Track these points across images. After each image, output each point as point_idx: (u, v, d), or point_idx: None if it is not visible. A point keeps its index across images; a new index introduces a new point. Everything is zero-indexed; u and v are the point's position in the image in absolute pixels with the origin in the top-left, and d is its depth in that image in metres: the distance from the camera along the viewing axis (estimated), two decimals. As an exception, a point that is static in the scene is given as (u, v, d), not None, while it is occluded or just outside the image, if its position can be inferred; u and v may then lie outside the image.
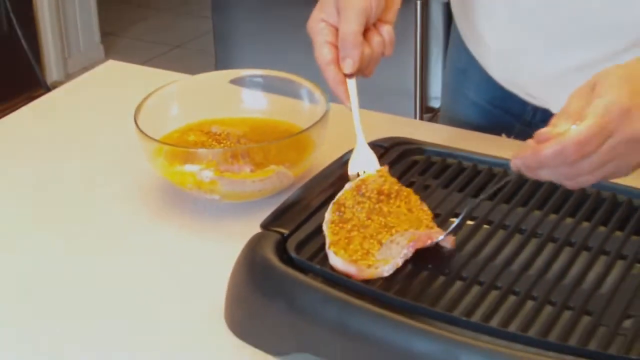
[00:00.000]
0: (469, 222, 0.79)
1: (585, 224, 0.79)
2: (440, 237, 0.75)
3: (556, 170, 0.68)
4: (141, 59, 3.20)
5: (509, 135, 1.06)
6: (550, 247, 0.76)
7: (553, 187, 0.83)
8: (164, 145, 0.93)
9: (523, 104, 1.04)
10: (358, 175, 0.85)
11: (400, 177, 0.85)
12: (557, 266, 0.73)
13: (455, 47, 1.12)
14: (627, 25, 0.88)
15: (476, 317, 0.68)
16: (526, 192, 0.83)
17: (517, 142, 1.02)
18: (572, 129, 0.65)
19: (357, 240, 0.75)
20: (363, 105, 1.12)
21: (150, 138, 0.91)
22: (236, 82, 0.95)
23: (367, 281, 0.72)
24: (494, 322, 0.67)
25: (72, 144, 1.07)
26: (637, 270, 0.73)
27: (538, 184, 0.84)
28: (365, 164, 0.86)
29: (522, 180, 0.82)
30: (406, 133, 0.97)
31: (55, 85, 2.14)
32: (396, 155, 0.89)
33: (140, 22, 3.67)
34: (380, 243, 0.75)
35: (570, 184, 0.70)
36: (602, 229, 0.78)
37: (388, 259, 0.73)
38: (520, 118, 1.06)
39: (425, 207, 0.80)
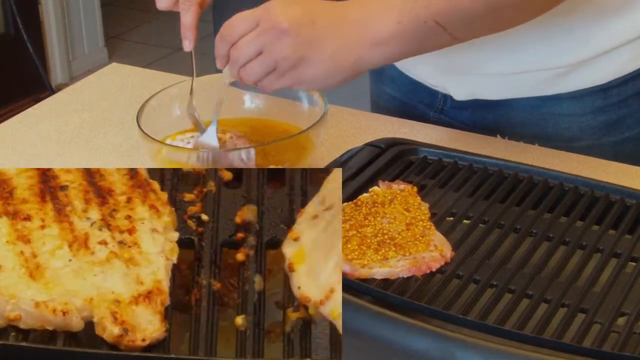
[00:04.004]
0: (465, 222, 0.80)
1: (579, 223, 0.79)
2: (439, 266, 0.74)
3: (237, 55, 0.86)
4: (144, 61, 3.21)
5: (503, 136, 1.07)
6: (545, 246, 0.76)
7: (547, 187, 0.84)
8: (166, 146, 0.93)
9: (433, 93, 1.09)
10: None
11: (396, 177, 0.86)
12: (552, 264, 0.74)
13: None
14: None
15: (472, 315, 0.68)
16: (521, 191, 0.84)
17: (511, 143, 1.04)
18: None
19: (355, 240, 0.76)
20: (361, 107, 1.14)
21: (153, 139, 0.92)
22: (236, 84, 0.95)
23: (365, 279, 0.72)
24: (490, 320, 0.67)
25: (76, 144, 1.07)
26: (631, 269, 0.73)
27: (533, 184, 0.85)
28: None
29: (517, 180, 0.84)
30: (402, 134, 0.98)
31: (60, 88, 2.15)
32: (392, 155, 0.89)
33: (143, 25, 3.69)
34: (379, 246, 0.76)
35: (265, 85, 0.87)
36: (595, 227, 0.79)
37: (385, 265, 0.73)
38: (433, 107, 1.11)
39: (424, 207, 0.80)
